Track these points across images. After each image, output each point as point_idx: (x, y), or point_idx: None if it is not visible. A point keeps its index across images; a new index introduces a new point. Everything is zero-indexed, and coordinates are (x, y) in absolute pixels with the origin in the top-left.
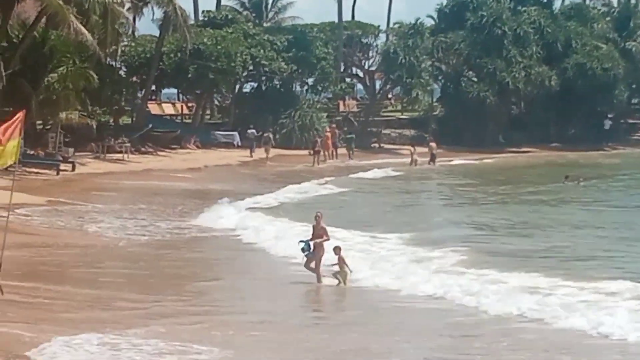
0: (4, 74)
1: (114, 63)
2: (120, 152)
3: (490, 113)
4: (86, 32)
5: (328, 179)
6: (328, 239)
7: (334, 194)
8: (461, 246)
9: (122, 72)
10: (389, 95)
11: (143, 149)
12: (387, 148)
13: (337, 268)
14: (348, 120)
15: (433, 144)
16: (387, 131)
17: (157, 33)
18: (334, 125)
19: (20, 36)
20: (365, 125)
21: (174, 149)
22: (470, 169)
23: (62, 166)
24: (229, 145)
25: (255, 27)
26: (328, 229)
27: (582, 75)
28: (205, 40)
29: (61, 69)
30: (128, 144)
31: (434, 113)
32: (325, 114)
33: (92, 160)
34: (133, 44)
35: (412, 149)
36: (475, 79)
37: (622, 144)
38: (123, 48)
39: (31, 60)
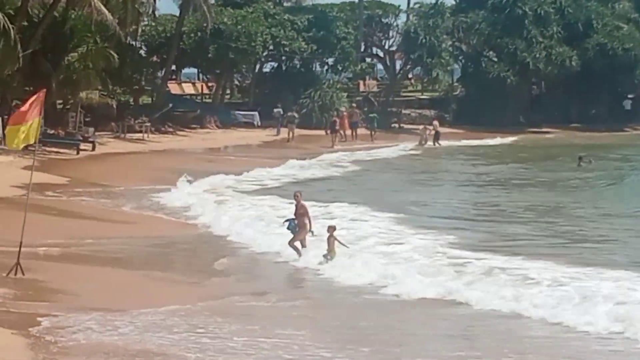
0: (21, 54)
1: (134, 43)
2: (140, 131)
3: (510, 93)
4: (106, 11)
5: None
6: (309, 218)
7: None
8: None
9: (142, 52)
10: (409, 76)
11: (163, 129)
12: (407, 128)
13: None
14: (368, 101)
15: (436, 123)
16: (407, 111)
17: (177, 12)
18: (354, 105)
19: (41, 16)
20: (385, 106)
21: (194, 128)
22: (472, 150)
23: (82, 145)
24: (248, 125)
25: (275, 7)
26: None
27: (602, 56)
28: (225, 19)
29: (81, 48)
30: (148, 124)
31: (455, 93)
32: (345, 94)
33: (112, 140)
34: (153, 24)
35: (423, 128)
36: (495, 59)
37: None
38: (143, 27)
39: (51, 40)
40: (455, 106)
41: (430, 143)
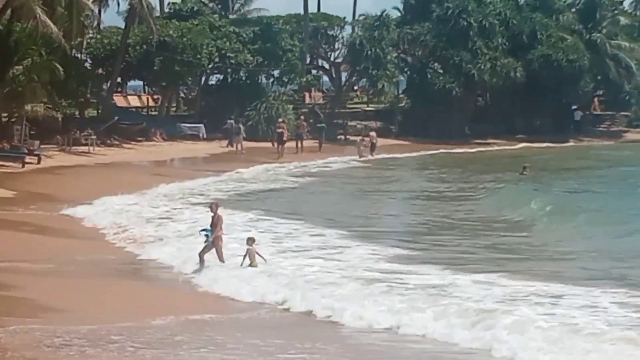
0: None
1: (79, 55)
2: (86, 144)
3: (456, 105)
4: (51, 24)
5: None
6: (221, 229)
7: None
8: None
9: (87, 65)
10: (355, 87)
11: (109, 142)
12: (353, 140)
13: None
14: (314, 112)
15: (373, 134)
16: (353, 123)
17: (122, 25)
18: (301, 118)
19: None
20: (331, 117)
21: (140, 141)
22: (415, 161)
23: (28, 159)
24: (194, 137)
25: (221, 19)
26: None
27: (547, 67)
28: (170, 32)
29: (26, 61)
30: (94, 137)
31: (400, 105)
32: (291, 106)
33: (58, 153)
34: (98, 36)
35: (360, 139)
36: (441, 71)
37: (588, 136)
38: (88, 40)
39: None
40: (401, 118)
41: (365, 155)
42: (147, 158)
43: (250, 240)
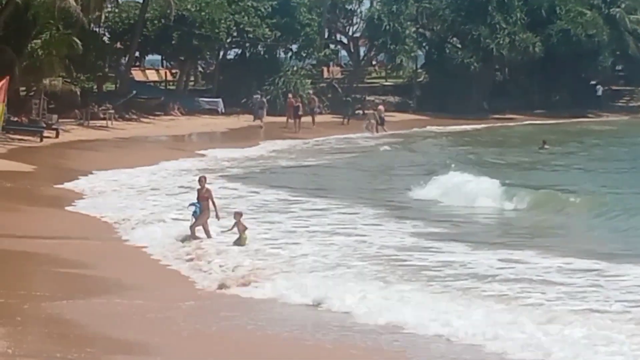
0: None
1: (97, 29)
2: (104, 118)
3: (474, 80)
4: None
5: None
6: (214, 203)
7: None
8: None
9: (105, 39)
10: (373, 62)
11: (127, 116)
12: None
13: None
14: (332, 87)
15: (381, 107)
16: (371, 98)
17: None
18: (310, 92)
19: (4, 2)
20: (349, 92)
21: (158, 115)
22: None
23: (46, 133)
24: (212, 112)
25: None
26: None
27: (566, 42)
28: (189, 6)
29: (44, 35)
30: (112, 111)
31: (418, 80)
32: (309, 81)
33: (76, 127)
34: (117, 10)
35: (371, 112)
36: (459, 46)
37: (606, 111)
38: (107, 14)
39: (14, 27)
40: (419, 93)
41: (371, 130)
42: (165, 132)
43: (238, 215)
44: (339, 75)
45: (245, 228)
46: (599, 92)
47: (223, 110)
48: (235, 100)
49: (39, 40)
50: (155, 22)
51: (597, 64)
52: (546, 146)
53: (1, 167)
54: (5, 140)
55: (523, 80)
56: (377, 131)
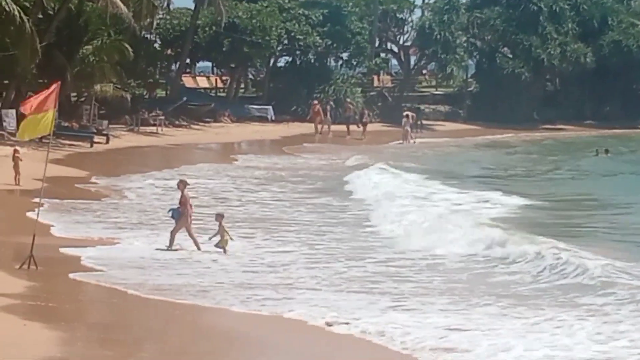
0: (39, 46)
1: (148, 36)
2: (154, 125)
3: (524, 89)
4: (121, 4)
5: None
6: (189, 208)
7: None
8: None
9: (156, 45)
10: (424, 71)
11: (177, 122)
12: (424, 124)
13: (218, 238)
14: (382, 96)
15: (410, 113)
16: (421, 107)
17: (192, 6)
18: (348, 100)
19: (56, 8)
20: (399, 101)
21: (208, 122)
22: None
23: (96, 138)
24: (262, 119)
25: (290, 1)
26: None
27: (617, 53)
28: (240, 13)
29: (96, 41)
30: (162, 117)
31: (469, 89)
32: (359, 89)
33: (126, 133)
34: (168, 17)
35: (406, 119)
36: (510, 55)
37: None
38: (158, 21)
39: (66, 33)
40: (469, 102)
41: (407, 139)
42: (214, 139)
43: (219, 217)
44: (389, 84)
45: (225, 232)
46: None
47: (273, 118)
48: (286, 108)
49: (90, 47)
50: (207, 29)
51: None
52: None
53: (58, 172)
54: (56, 146)
55: (574, 90)
56: (409, 139)
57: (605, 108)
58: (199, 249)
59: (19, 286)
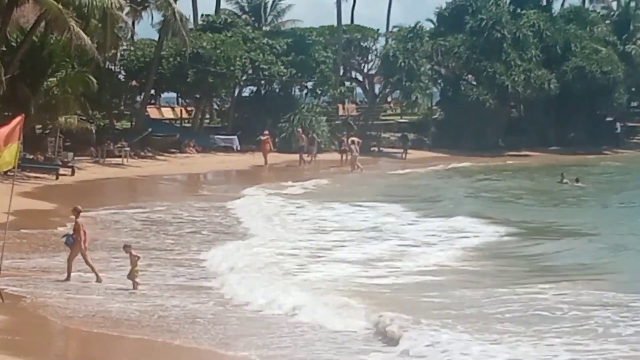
0: (3, 78)
1: (113, 67)
2: (120, 156)
3: (489, 116)
4: (85, 36)
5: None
6: (83, 235)
7: None
8: None
9: (121, 76)
10: (389, 99)
11: (142, 153)
12: (387, 152)
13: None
14: (347, 124)
15: (354, 138)
16: (386, 135)
17: (156, 37)
18: (299, 131)
19: (19, 40)
20: (364, 129)
21: (173, 153)
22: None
23: (62, 170)
24: (228, 149)
25: (254, 31)
26: None
27: (581, 79)
28: (204, 44)
29: (60, 73)
30: (127, 149)
31: (434, 116)
32: (324, 118)
33: (92, 165)
34: (132, 48)
35: (353, 145)
36: (474, 83)
37: (622, 148)
38: (122, 52)
39: (30, 65)
40: (435, 129)
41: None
42: (180, 170)
43: (127, 247)
44: (355, 113)
45: (138, 258)
46: (618, 129)
47: (239, 148)
48: (251, 138)
49: (54, 78)
50: (171, 59)
51: (612, 101)
52: (565, 181)
53: (26, 205)
54: (21, 178)
55: (538, 116)
56: (353, 167)
57: (570, 134)
58: (98, 279)
59: None
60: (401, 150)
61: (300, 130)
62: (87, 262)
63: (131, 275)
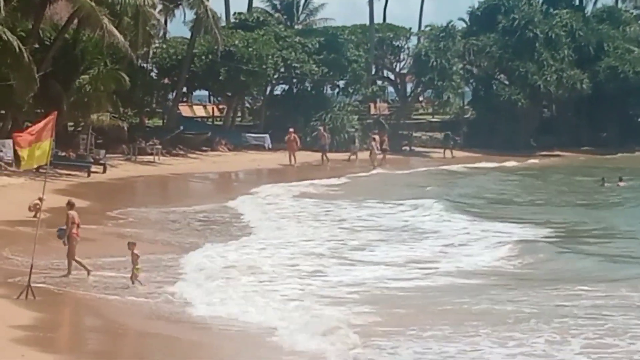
0: (36, 75)
1: (145, 65)
2: (151, 154)
3: (521, 116)
4: (118, 33)
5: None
6: (75, 228)
7: None
8: None
9: (153, 74)
10: (420, 98)
11: (174, 151)
12: (418, 151)
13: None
14: (379, 123)
15: (376, 137)
16: (418, 134)
17: (188, 35)
18: (320, 128)
19: (52, 38)
20: (396, 128)
21: (205, 151)
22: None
23: (93, 168)
24: (259, 147)
25: (286, 30)
26: None
27: (613, 79)
28: (236, 42)
29: (92, 70)
30: (159, 146)
31: (465, 116)
32: (356, 117)
33: (123, 162)
34: (164, 46)
35: (373, 142)
36: (506, 82)
37: None
38: (154, 50)
39: (63, 62)
40: (466, 129)
41: (375, 164)
42: (211, 168)
43: (132, 245)
44: (386, 112)
45: (138, 257)
46: None
47: (270, 146)
48: (282, 136)
49: (87, 76)
50: (203, 57)
51: None
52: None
53: (60, 203)
54: (53, 175)
55: (570, 117)
56: (374, 164)
57: (602, 134)
58: (69, 272)
59: (22, 316)
60: (441, 150)
61: (321, 128)
62: (69, 255)
63: (133, 275)
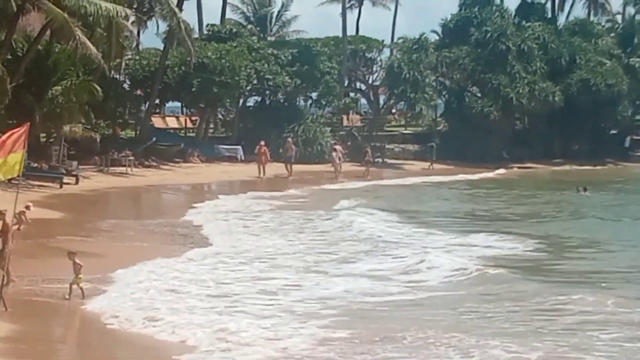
0: (9, 86)
1: (118, 76)
2: (124, 165)
3: (493, 128)
4: (90, 45)
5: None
6: (10, 237)
7: None
8: None
9: (126, 86)
10: (393, 110)
11: (146, 163)
12: (391, 163)
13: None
14: (352, 135)
15: (337, 147)
16: (390, 146)
17: (161, 46)
18: (290, 140)
19: (25, 49)
20: (368, 140)
21: (178, 162)
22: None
23: (66, 179)
24: (232, 159)
25: (259, 41)
26: None
27: (586, 91)
28: (209, 54)
29: (65, 82)
30: (132, 158)
31: (438, 128)
32: (328, 129)
33: (96, 174)
34: (137, 57)
35: (334, 153)
36: (479, 94)
37: (627, 160)
38: (127, 61)
39: (35, 73)
40: (439, 141)
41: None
42: (184, 180)
43: (72, 254)
44: (359, 124)
45: (81, 266)
46: (627, 144)
47: (243, 158)
48: (255, 148)
49: (59, 87)
50: (176, 69)
51: (616, 114)
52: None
53: (35, 215)
54: (26, 187)
55: (543, 129)
56: (337, 175)
57: (574, 146)
58: (8, 281)
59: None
60: (413, 162)
61: (290, 140)
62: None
63: (74, 282)
